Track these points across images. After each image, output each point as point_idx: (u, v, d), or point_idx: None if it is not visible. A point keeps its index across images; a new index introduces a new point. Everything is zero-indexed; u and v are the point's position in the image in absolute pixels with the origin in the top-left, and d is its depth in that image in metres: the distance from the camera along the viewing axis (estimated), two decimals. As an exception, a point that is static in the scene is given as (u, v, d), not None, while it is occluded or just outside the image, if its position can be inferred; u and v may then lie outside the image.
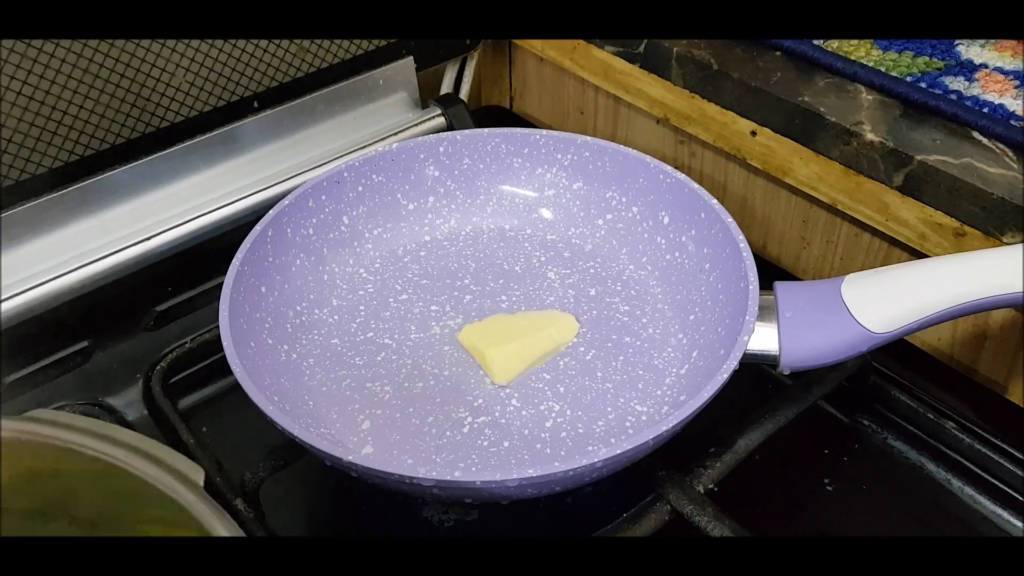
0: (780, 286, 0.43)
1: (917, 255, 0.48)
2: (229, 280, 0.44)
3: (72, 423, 0.30)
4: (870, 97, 0.49)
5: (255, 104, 0.55)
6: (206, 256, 0.53)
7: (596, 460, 0.36)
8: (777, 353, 0.41)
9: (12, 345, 0.48)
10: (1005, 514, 0.43)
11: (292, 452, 0.42)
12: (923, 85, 0.48)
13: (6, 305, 0.47)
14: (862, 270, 0.42)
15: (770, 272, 0.53)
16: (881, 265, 0.48)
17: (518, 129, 0.55)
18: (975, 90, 0.48)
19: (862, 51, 0.52)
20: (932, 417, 0.46)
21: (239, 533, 0.27)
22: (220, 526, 0.27)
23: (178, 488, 0.28)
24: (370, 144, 0.58)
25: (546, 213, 0.55)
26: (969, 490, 0.44)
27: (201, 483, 0.29)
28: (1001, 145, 0.45)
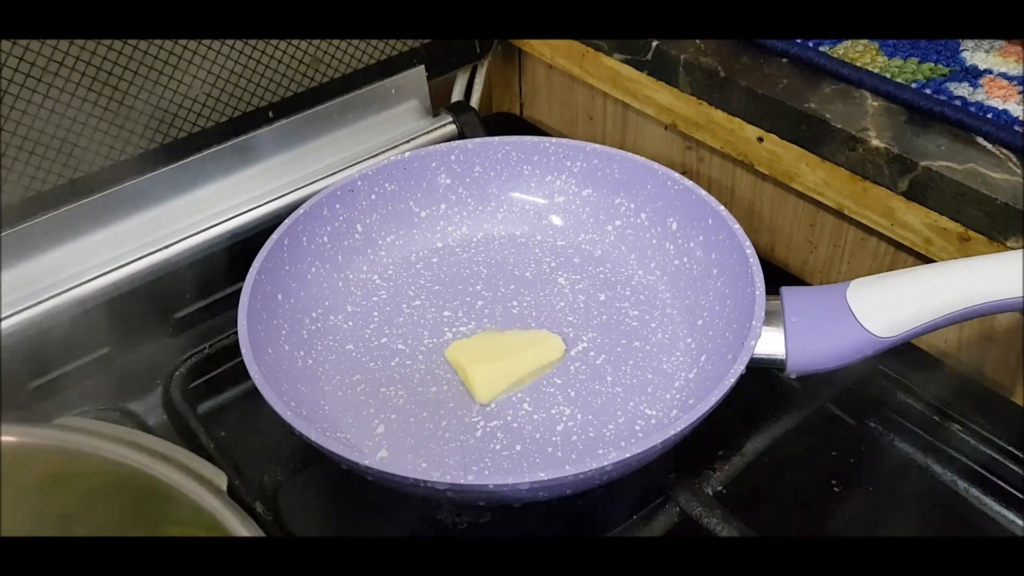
0: (786, 291, 0.44)
1: (923, 259, 0.48)
2: (247, 288, 0.45)
3: (98, 429, 0.31)
4: (876, 103, 0.49)
5: (270, 114, 0.56)
6: (223, 264, 0.54)
7: (606, 463, 0.36)
8: (784, 357, 0.42)
9: (34, 352, 0.49)
10: (1010, 515, 0.43)
11: (309, 456, 0.43)
12: (928, 91, 0.49)
13: (27, 313, 0.48)
14: (869, 274, 0.43)
15: (778, 276, 0.53)
16: (888, 269, 0.48)
17: (528, 137, 0.55)
18: (979, 96, 0.48)
19: (868, 57, 0.52)
20: (938, 419, 0.46)
21: (262, 537, 0.28)
22: (245, 532, 0.28)
23: (202, 493, 0.29)
24: (383, 152, 0.59)
25: (556, 220, 0.56)
26: (975, 491, 0.44)
27: (224, 488, 0.29)
28: (1005, 150, 0.45)
